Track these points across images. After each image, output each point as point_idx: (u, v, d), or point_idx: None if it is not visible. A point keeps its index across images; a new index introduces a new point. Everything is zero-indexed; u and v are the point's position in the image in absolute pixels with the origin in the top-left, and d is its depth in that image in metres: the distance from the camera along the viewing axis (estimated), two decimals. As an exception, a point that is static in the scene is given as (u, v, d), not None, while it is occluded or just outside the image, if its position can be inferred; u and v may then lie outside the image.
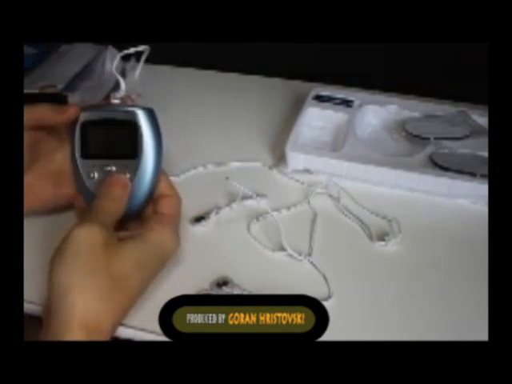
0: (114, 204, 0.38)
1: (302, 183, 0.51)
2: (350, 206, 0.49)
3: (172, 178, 0.44)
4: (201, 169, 0.53)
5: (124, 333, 0.37)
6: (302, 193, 0.50)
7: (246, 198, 0.48)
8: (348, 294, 0.40)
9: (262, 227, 0.46)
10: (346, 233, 0.46)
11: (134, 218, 0.40)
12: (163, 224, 0.39)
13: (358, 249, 0.45)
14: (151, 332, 0.37)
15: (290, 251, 0.42)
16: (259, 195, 0.48)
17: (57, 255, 0.34)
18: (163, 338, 0.36)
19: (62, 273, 0.33)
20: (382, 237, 0.45)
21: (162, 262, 0.38)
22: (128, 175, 0.40)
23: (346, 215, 0.48)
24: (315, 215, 0.47)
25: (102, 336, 0.32)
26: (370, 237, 0.45)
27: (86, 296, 0.32)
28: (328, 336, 0.35)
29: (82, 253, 0.34)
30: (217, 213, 0.47)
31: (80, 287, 0.32)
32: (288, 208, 0.48)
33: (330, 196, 0.49)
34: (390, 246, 0.44)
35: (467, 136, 0.54)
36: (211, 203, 0.48)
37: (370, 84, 0.65)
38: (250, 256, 0.44)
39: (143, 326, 0.37)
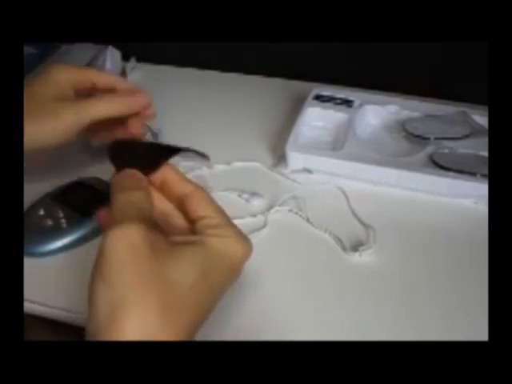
0: (139, 194, 0.31)
1: (301, 183, 0.51)
2: (345, 208, 0.49)
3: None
4: (203, 169, 0.53)
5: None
6: (303, 192, 0.50)
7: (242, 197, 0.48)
8: (339, 299, 0.40)
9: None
10: (334, 240, 0.46)
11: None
12: (223, 227, 0.31)
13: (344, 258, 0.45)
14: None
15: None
16: (258, 195, 0.48)
17: (94, 271, 0.28)
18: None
19: (103, 293, 0.27)
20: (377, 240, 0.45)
21: (232, 274, 0.31)
22: None
23: (315, 226, 0.46)
24: (284, 227, 0.47)
25: None
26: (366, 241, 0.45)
27: (138, 316, 0.26)
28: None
29: (125, 260, 0.27)
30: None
31: (129, 305, 0.26)
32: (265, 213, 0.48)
33: (297, 213, 0.48)
34: (390, 247, 0.44)
35: (467, 136, 0.54)
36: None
37: (370, 84, 0.65)
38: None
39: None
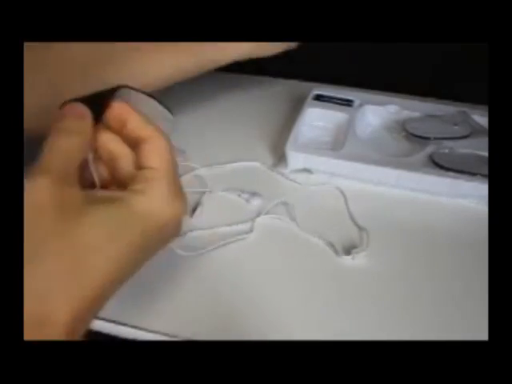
0: (71, 140, 0.28)
1: (301, 183, 0.51)
2: (345, 208, 0.49)
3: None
4: (202, 169, 0.53)
5: (124, 332, 0.37)
6: (302, 193, 0.50)
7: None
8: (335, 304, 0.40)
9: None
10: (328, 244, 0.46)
11: None
12: (153, 183, 0.29)
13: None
14: (152, 331, 0.37)
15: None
16: (257, 195, 0.48)
17: None
18: (166, 338, 0.36)
19: None
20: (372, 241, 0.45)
21: (153, 235, 0.29)
22: None
23: (306, 232, 0.46)
24: (276, 230, 0.46)
25: (57, 333, 0.25)
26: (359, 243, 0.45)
27: (34, 277, 0.25)
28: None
29: (25, 219, 0.25)
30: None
31: (25, 266, 0.25)
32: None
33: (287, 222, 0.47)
34: (390, 247, 0.44)
35: (467, 136, 0.54)
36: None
37: (370, 84, 0.65)
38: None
39: (143, 325, 0.37)
